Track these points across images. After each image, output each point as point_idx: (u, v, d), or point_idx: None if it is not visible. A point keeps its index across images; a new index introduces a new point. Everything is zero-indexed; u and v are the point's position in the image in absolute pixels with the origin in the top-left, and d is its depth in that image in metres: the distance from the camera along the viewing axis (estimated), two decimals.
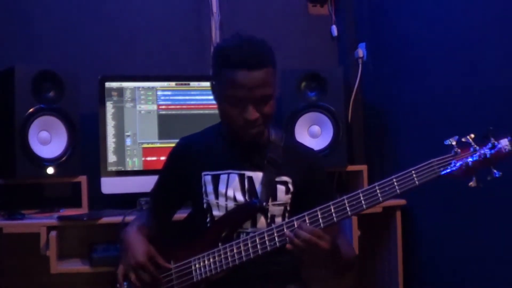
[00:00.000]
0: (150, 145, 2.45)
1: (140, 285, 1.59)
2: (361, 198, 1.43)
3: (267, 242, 1.49)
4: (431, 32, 2.31)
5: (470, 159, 1.38)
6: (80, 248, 2.34)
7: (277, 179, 1.62)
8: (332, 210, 1.45)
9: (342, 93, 2.54)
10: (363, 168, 2.58)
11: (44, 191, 2.44)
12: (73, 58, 2.57)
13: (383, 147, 2.70)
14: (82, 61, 2.56)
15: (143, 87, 2.46)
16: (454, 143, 1.40)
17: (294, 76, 2.48)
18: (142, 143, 2.44)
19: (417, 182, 1.40)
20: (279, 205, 1.62)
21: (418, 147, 2.38)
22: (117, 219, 2.11)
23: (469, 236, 2.11)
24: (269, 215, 1.61)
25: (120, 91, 2.43)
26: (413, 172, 1.41)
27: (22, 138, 2.19)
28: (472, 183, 1.39)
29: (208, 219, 1.64)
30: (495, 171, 1.37)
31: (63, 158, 2.29)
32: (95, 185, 2.38)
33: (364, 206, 1.43)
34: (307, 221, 1.46)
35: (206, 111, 2.50)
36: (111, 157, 2.40)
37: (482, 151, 1.38)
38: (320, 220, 1.45)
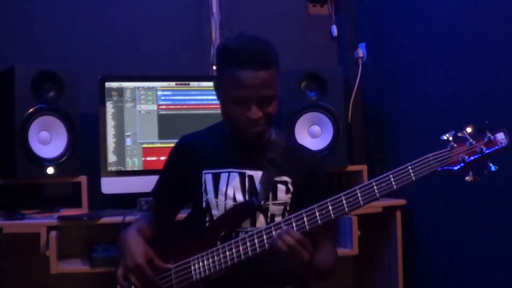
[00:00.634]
0: (150, 145, 2.45)
1: (140, 286, 1.59)
2: (358, 194, 1.44)
3: (265, 241, 1.49)
4: (431, 32, 2.31)
5: (466, 154, 1.39)
6: (80, 248, 2.34)
7: (277, 178, 1.63)
8: (330, 207, 1.45)
9: (342, 93, 2.54)
10: (363, 168, 2.58)
11: (44, 191, 2.44)
12: (73, 58, 2.57)
13: (383, 147, 2.70)
14: (82, 61, 2.56)
15: (143, 87, 2.46)
16: (450, 137, 1.41)
17: (294, 76, 2.48)
18: (142, 143, 2.44)
19: (413, 178, 1.40)
20: (279, 204, 1.63)
21: (418, 147, 2.37)
22: (117, 219, 2.11)
23: (469, 236, 2.11)
24: (269, 214, 1.62)
25: (120, 91, 2.43)
26: (409, 167, 1.41)
27: (22, 138, 2.19)
28: (468, 178, 1.39)
29: (207, 218, 1.64)
30: (491, 165, 1.38)
31: (63, 158, 2.29)
32: (95, 185, 2.38)
33: (361, 202, 1.43)
34: (305, 219, 1.46)
35: (206, 111, 2.50)
36: (111, 157, 2.40)
37: (478, 145, 1.38)
38: (318, 218, 1.45)
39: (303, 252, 1.43)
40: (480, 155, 1.37)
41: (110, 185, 2.39)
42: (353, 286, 2.77)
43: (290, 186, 1.64)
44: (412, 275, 2.44)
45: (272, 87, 1.53)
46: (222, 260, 1.54)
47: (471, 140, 1.39)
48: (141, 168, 2.43)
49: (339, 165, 2.52)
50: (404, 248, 2.44)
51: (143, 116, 2.46)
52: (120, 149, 2.41)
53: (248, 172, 1.62)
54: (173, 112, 2.49)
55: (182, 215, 1.81)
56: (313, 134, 2.51)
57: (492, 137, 1.38)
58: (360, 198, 1.44)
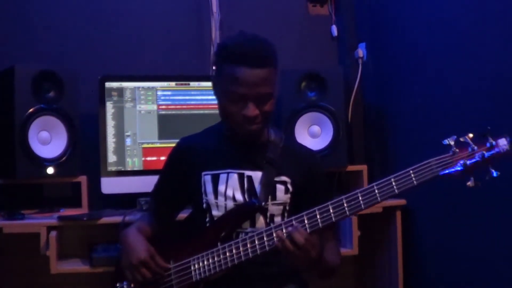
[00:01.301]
0: (150, 145, 2.45)
1: (140, 284, 1.59)
2: (360, 198, 1.44)
3: (265, 242, 1.49)
4: (431, 32, 2.31)
5: (468, 159, 1.39)
6: (80, 248, 2.34)
7: (276, 178, 1.63)
8: (331, 210, 1.45)
9: (342, 93, 2.54)
10: (363, 168, 2.58)
11: (44, 191, 2.44)
12: (73, 58, 2.57)
13: (383, 147, 2.70)
14: (82, 61, 2.56)
15: (143, 87, 2.46)
16: (452, 142, 1.41)
17: (294, 76, 2.48)
18: (142, 143, 2.44)
19: (415, 182, 1.40)
20: (278, 204, 1.63)
21: (418, 147, 2.38)
22: (117, 219, 2.11)
23: (469, 236, 2.11)
24: (268, 214, 1.62)
25: (120, 91, 2.43)
26: (411, 172, 1.41)
27: (22, 138, 2.19)
28: (470, 183, 1.40)
29: (207, 219, 1.64)
30: (493, 170, 1.38)
31: (63, 158, 2.29)
32: (95, 185, 2.38)
33: (362, 206, 1.44)
34: (306, 221, 1.46)
35: (206, 111, 2.50)
36: (111, 157, 2.40)
37: (480, 151, 1.38)
38: (319, 220, 1.45)
39: (312, 251, 1.43)
40: (481, 160, 1.37)
41: (110, 185, 2.39)
42: (353, 286, 2.77)
43: (289, 186, 1.64)
44: (412, 275, 2.44)
45: (270, 85, 1.53)
46: (222, 261, 1.54)
47: (473, 145, 1.39)
48: (141, 168, 2.43)
49: (339, 165, 2.52)
50: (404, 248, 2.44)
51: (143, 116, 2.46)
52: (120, 149, 2.41)
53: (247, 173, 1.62)
54: (173, 112, 2.49)
55: (183, 215, 1.81)
56: (313, 134, 2.51)
57: (494, 142, 1.38)
58: (361, 202, 1.44)
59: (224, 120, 1.62)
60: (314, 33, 2.91)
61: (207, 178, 1.64)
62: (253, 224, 1.61)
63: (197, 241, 1.61)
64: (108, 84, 2.42)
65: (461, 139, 1.40)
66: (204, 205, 1.64)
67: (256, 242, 1.50)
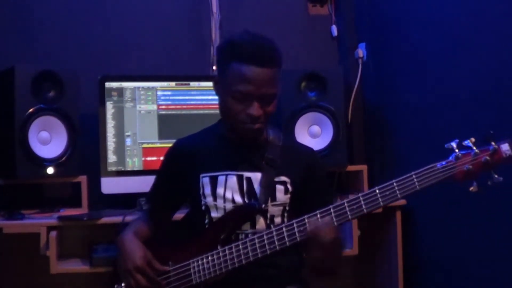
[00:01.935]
0: (150, 145, 2.45)
1: None
2: (362, 202, 1.43)
3: (266, 245, 1.49)
4: (431, 32, 2.31)
5: (470, 163, 1.38)
6: (80, 248, 2.34)
7: (276, 179, 1.62)
8: (333, 214, 1.45)
9: (342, 93, 2.54)
10: (363, 168, 2.58)
11: (44, 191, 2.44)
12: (73, 58, 2.57)
13: (383, 147, 2.70)
14: (82, 61, 2.56)
15: (143, 87, 2.46)
16: (454, 146, 1.40)
17: (294, 76, 2.48)
18: (142, 143, 2.44)
19: (418, 187, 1.40)
20: (278, 205, 1.62)
21: (418, 147, 2.37)
22: (117, 219, 2.11)
23: (469, 236, 2.11)
24: (268, 215, 1.61)
25: (120, 91, 2.43)
26: (414, 176, 1.40)
27: (22, 138, 2.19)
28: (473, 188, 1.39)
29: (206, 221, 1.63)
30: (495, 176, 1.37)
31: (63, 158, 2.29)
32: (95, 185, 2.38)
33: (364, 210, 1.43)
34: (307, 225, 1.46)
35: (206, 111, 2.50)
36: (111, 157, 2.40)
37: (483, 156, 1.37)
38: None
39: (338, 249, 1.44)
40: (485, 165, 1.37)
41: (110, 185, 2.39)
42: (353, 286, 2.77)
43: (289, 186, 1.63)
44: (412, 275, 2.44)
45: (275, 86, 1.53)
46: (222, 264, 1.53)
47: (476, 150, 1.38)
48: (141, 168, 2.43)
49: (339, 165, 2.52)
50: (404, 248, 2.44)
51: (143, 116, 2.46)
52: (120, 149, 2.41)
53: (246, 174, 1.61)
54: (173, 112, 2.49)
55: (180, 215, 1.80)
56: (313, 134, 2.51)
57: (496, 147, 1.37)
58: (363, 206, 1.43)
59: (225, 119, 1.61)
60: (314, 33, 2.91)
61: (205, 180, 1.63)
62: (253, 226, 1.60)
63: (196, 243, 1.60)
64: (108, 84, 2.42)
65: (464, 143, 1.39)
66: (203, 207, 1.63)
67: (257, 244, 1.49)
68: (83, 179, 2.35)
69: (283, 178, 1.63)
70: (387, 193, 1.42)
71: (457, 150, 1.39)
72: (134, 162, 2.43)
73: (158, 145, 2.46)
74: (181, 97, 2.50)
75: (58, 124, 2.29)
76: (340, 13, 2.90)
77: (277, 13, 2.85)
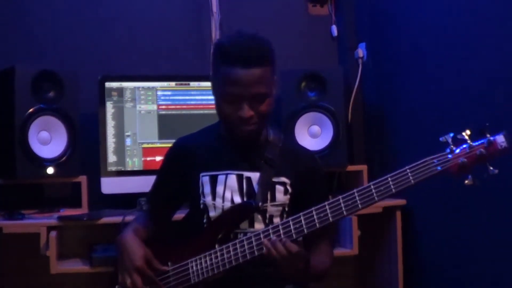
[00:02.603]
0: (150, 145, 2.45)
1: None
2: (357, 197, 1.43)
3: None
4: (431, 32, 2.31)
5: (465, 156, 1.37)
6: (80, 248, 2.34)
7: (275, 179, 1.62)
8: (328, 210, 1.44)
9: (342, 93, 2.54)
10: (363, 168, 2.58)
11: (44, 191, 2.44)
12: (73, 58, 2.57)
13: (383, 147, 2.70)
14: (82, 61, 2.56)
15: (143, 87, 2.46)
16: (449, 140, 1.39)
17: (294, 76, 2.48)
18: (142, 143, 2.44)
19: (412, 181, 1.39)
20: (277, 205, 1.62)
21: (418, 147, 2.37)
22: (117, 219, 2.11)
23: (469, 236, 2.11)
24: (267, 215, 1.61)
25: (120, 91, 2.43)
26: (408, 171, 1.39)
27: (22, 138, 2.19)
28: (468, 181, 1.38)
29: (204, 220, 1.63)
30: (491, 168, 1.36)
31: (63, 158, 2.29)
32: (95, 185, 2.38)
33: (359, 205, 1.42)
34: (303, 221, 1.46)
35: (206, 111, 2.50)
36: (111, 157, 2.40)
37: (478, 148, 1.36)
38: (316, 220, 1.45)
39: (296, 262, 1.43)
40: (479, 158, 1.35)
41: (110, 185, 2.39)
42: (353, 286, 2.77)
43: (288, 187, 1.63)
44: (412, 275, 2.44)
45: (265, 85, 1.51)
46: (220, 263, 1.53)
47: (471, 142, 1.37)
48: (141, 168, 2.43)
49: (339, 165, 2.52)
50: (404, 248, 2.44)
51: (143, 116, 2.46)
52: (120, 149, 2.41)
53: (246, 174, 1.61)
54: (173, 112, 2.49)
55: (180, 215, 1.81)
56: (313, 134, 2.51)
57: (492, 139, 1.35)
58: (358, 202, 1.42)
59: (221, 121, 1.62)
60: (314, 33, 2.91)
61: (205, 179, 1.63)
62: (251, 225, 1.60)
63: (194, 243, 1.59)
64: (108, 84, 2.42)
65: (458, 136, 1.38)
66: (201, 206, 1.63)
67: (254, 243, 1.49)
68: (83, 179, 2.35)
69: (283, 179, 1.63)
70: (382, 188, 1.41)
71: (451, 143, 1.38)
72: (134, 162, 2.43)
73: (158, 145, 2.46)
74: (181, 97, 2.50)
75: (58, 124, 2.29)
76: (340, 13, 2.90)
77: (277, 13, 2.85)
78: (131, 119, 2.43)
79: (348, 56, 2.84)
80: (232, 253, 1.52)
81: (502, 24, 1.92)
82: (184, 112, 2.50)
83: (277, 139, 1.66)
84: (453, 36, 2.17)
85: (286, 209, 1.63)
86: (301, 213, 1.47)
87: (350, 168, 2.57)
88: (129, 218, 2.04)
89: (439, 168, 1.37)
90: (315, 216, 1.45)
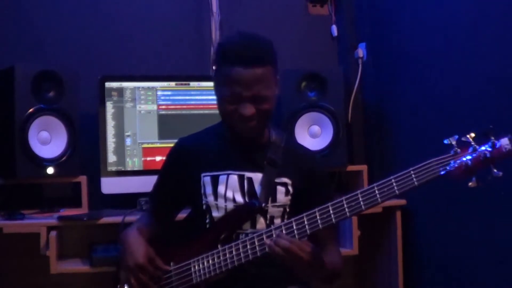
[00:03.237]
0: (150, 145, 2.45)
1: (139, 287, 1.58)
2: (360, 199, 1.42)
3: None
4: (431, 32, 2.31)
5: (469, 159, 1.37)
6: (80, 248, 2.34)
7: (277, 180, 1.62)
8: (331, 211, 1.44)
9: (342, 93, 2.54)
10: (363, 168, 2.58)
11: (44, 191, 2.44)
12: (73, 58, 2.57)
13: (383, 147, 2.70)
14: (82, 61, 2.56)
15: (143, 87, 2.46)
16: (453, 142, 1.38)
17: (294, 76, 2.48)
18: (142, 143, 2.44)
19: (416, 183, 1.38)
20: (278, 206, 1.62)
21: (418, 147, 2.38)
22: (117, 219, 2.11)
23: (469, 236, 2.11)
24: (268, 216, 1.61)
25: (120, 91, 2.43)
26: (412, 172, 1.39)
27: (22, 138, 2.19)
28: (472, 183, 1.37)
29: (207, 220, 1.63)
30: (495, 170, 1.35)
31: (63, 158, 2.29)
32: (95, 185, 2.38)
33: (363, 207, 1.42)
34: (306, 222, 1.45)
35: (206, 111, 2.50)
36: (111, 157, 2.40)
37: (482, 151, 1.36)
38: (319, 221, 1.44)
39: (300, 253, 1.41)
40: (484, 160, 1.35)
41: (110, 185, 2.39)
42: (353, 286, 2.77)
43: (290, 187, 1.63)
44: (412, 275, 2.44)
45: (266, 84, 1.51)
46: (222, 263, 1.53)
47: (475, 145, 1.37)
48: (141, 168, 2.43)
49: (339, 165, 2.52)
50: (404, 248, 2.44)
51: (143, 116, 2.46)
52: (120, 149, 2.41)
53: (247, 174, 1.61)
54: (173, 112, 2.49)
55: (182, 215, 1.81)
56: (313, 134, 2.51)
57: (496, 142, 1.35)
58: (362, 203, 1.42)
59: (223, 120, 1.62)
60: (314, 33, 2.91)
61: (206, 180, 1.63)
62: (253, 226, 1.60)
63: (197, 243, 1.60)
64: (108, 84, 2.42)
65: (463, 139, 1.38)
66: (204, 207, 1.63)
67: (256, 243, 1.49)
68: (83, 179, 2.35)
69: (284, 180, 1.63)
70: (385, 189, 1.40)
71: (456, 146, 1.38)
72: (134, 162, 2.43)
73: (158, 145, 2.46)
74: (181, 97, 2.50)
75: (58, 124, 2.29)
76: (340, 13, 2.90)
77: (277, 13, 2.85)
78: (131, 119, 2.43)
79: (348, 56, 2.84)
80: (234, 253, 1.52)
81: (504, 22, 1.92)
82: (184, 112, 2.50)
83: (279, 140, 1.67)
84: (453, 36, 2.17)
85: (287, 210, 1.63)
86: (304, 214, 1.46)
87: (350, 168, 2.57)
88: (129, 218, 2.04)
89: (443, 170, 1.37)
90: (318, 217, 1.45)
